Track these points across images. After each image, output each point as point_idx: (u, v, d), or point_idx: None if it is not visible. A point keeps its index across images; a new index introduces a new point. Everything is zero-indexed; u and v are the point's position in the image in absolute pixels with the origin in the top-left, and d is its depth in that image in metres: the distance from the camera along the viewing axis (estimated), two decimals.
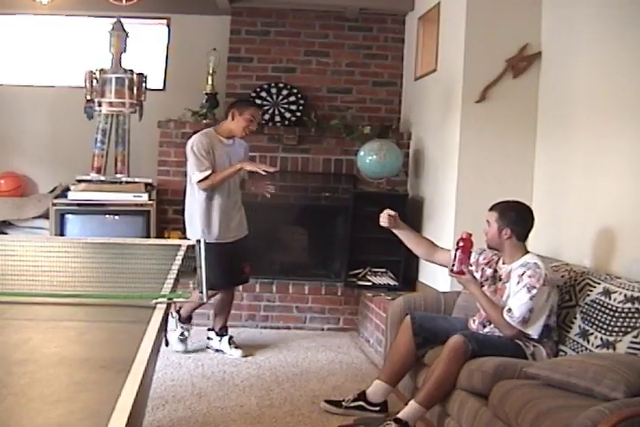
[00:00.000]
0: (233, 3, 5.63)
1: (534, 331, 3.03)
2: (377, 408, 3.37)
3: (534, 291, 3.00)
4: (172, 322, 4.37)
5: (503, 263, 3.23)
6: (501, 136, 4.33)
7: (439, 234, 4.62)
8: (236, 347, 4.40)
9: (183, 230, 4.40)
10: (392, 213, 3.45)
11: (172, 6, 5.82)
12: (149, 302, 2.07)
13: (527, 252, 3.19)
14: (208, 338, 4.49)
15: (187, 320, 4.49)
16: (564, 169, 3.93)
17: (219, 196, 4.17)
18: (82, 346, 1.73)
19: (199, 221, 4.18)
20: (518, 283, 3.07)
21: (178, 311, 4.48)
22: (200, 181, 4.09)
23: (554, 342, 3.12)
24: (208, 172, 4.06)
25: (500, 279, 3.23)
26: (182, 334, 4.40)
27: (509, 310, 3.04)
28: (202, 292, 2.33)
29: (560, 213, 3.83)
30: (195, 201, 4.19)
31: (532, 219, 3.21)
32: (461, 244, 3.16)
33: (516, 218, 3.15)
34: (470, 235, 3.18)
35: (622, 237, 3.32)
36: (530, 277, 3.04)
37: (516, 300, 3.04)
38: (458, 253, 3.17)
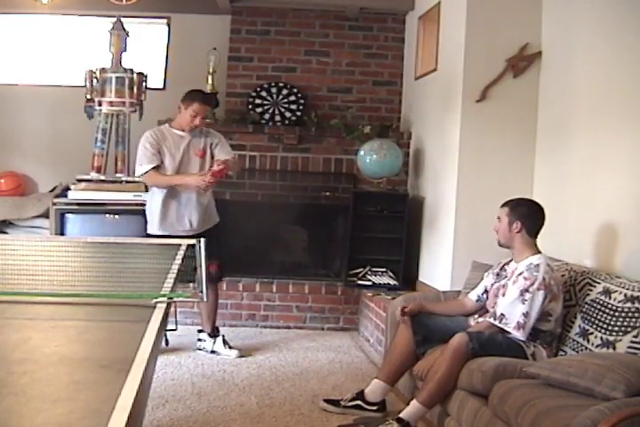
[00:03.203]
0: (233, 2, 5.63)
1: (523, 335, 3.01)
2: (375, 408, 3.36)
3: (527, 295, 2.99)
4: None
5: (514, 263, 3.22)
6: (501, 136, 4.33)
7: (439, 233, 4.63)
8: (231, 347, 4.36)
9: None
10: (405, 307, 3.39)
11: (173, 6, 5.82)
12: (149, 302, 2.07)
13: (538, 252, 3.18)
14: (199, 340, 4.39)
15: None
16: (564, 168, 3.93)
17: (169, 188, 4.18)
18: (82, 345, 1.73)
19: (148, 212, 4.26)
20: (514, 283, 3.07)
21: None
22: (142, 175, 4.17)
23: (554, 345, 3.11)
24: (148, 166, 4.10)
25: (506, 276, 3.22)
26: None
27: (502, 315, 3.03)
28: (202, 291, 2.34)
29: (560, 212, 3.82)
30: (149, 193, 4.31)
31: (543, 217, 3.20)
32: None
33: (527, 212, 3.18)
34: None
35: (622, 237, 3.32)
36: (525, 279, 3.03)
37: (509, 305, 3.02)
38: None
